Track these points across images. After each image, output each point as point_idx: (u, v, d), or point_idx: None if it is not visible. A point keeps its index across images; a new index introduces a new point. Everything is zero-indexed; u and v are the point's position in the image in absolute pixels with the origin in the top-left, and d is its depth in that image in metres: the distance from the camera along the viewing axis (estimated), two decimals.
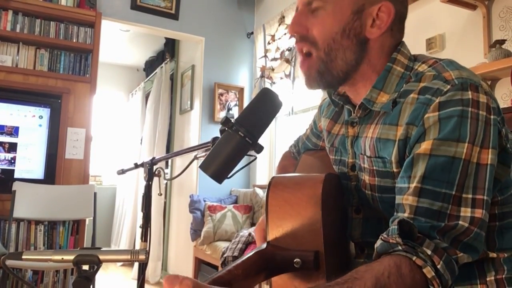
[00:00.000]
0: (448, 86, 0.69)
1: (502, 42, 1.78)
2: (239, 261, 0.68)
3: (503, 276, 0.69)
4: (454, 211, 0.64)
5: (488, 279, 0.70)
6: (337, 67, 0.79)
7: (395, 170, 0.74)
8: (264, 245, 0.73)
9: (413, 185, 0.66)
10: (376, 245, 0.66)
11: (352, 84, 0.83)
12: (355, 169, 0.86)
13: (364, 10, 0.77)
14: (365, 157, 0.81)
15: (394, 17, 0.77)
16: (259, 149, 0.76)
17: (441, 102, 0.68)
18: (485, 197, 0.65)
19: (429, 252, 0.61)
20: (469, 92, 0.68)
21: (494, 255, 0.71)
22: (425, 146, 0.67)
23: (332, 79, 0.80)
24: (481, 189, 0.65)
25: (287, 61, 3.29)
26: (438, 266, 0.60)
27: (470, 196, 0.65)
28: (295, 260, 0.69)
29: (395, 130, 0.74)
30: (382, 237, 0.66)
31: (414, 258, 0.60)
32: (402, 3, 0.80)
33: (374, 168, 0.78)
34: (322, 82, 0.81)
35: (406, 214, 0.66)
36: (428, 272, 0.59)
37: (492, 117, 0.68)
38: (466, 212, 0.64)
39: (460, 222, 0.63)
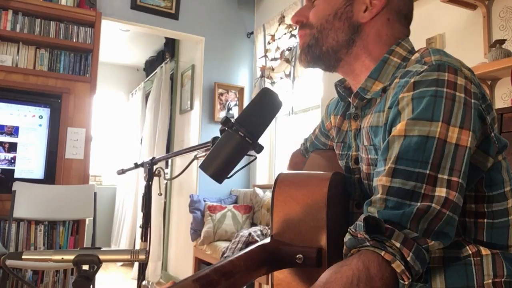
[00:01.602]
0: (425, 67, 0.68)
1: (502, 42, 1.78)
2: (241, 252, 0.68)
3: (502, 280, 0.68)
4: (428, 190, 0.62)
5: (485, 282, 0.69)
6: (327, 44, 0.83)
7: None
8: (268, 240, 0.73)
9: (387, 166, 0.65)
10: (345, 239, 0.66)
11: (350, 71, 0.85)
12: (358, 162, 0.87)
13: None
14: (363, 146, 0.82)
15: (387, 4, 0.80)
16: (259, 149, 0.76)
17: (415, 82, 0.67)
18: (460, 180, 0.63)
19: (398, 244, 0.59)
20: (446, 74, 0.66)
21: (488, 251, 0.70)
22: (399, 127, 0.66)
23: (320, 53, 0.84)
24: (457, 171, 0.63)
25: (287, 61, 3.29)
26: (408, 259, 0.59)
27: (445, 177, 0.63)
28: (297, 256, 0.69)
29: (382, 117, 0.74)
30: (350, 231, 0.65)
31: (382, 253, 0.59)
32: None
33: (369, 156, 0.80)
34: (310, 54, 0.85)
35: (379, 195, 0.65)
36: (398, 266, 0.59)
37: (472, 100, 0.66)
38: (440, 192, 0.62)
39: (433, 205, 0.61)
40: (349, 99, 0.89)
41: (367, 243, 0.61)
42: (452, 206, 0.62)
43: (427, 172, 0.63)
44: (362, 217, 0.62)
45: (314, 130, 1.15)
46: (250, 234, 2.81)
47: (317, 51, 0.84)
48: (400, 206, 0.62)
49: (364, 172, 0.83)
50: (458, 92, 0.65)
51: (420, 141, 0.64)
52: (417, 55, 0.77)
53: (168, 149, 4.59)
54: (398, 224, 0.61)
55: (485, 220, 0.72)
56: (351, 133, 0.88)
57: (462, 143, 0.64)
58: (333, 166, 0.95)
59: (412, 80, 0.68)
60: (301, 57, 0.87)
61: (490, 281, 0.68)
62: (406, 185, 0.63)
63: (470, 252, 0.70)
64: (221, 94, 3.88)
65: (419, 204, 0.62)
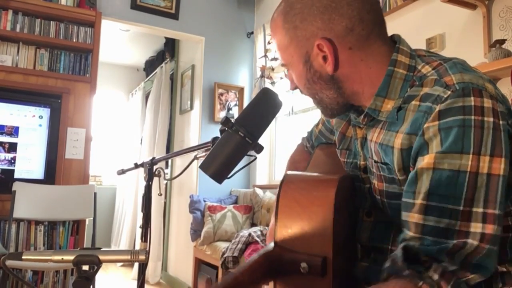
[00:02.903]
0: (449, 92, 0.65)
1: (502, 41, 1.78)
2: (246, 265, 0.68)
3: None
4: (463, 227, 0.61)
5: None
6: (327, 103, 0.83)
7: (400, 177, 0.73)
8: (272, 246, 0.72)
9: (418, 201, 0.64)
10: (384, 265, 0.65)
11: (357, 102, 0.83)
12: (367, 171, 0.84)
13: (310, 56, 0.78)
14: (372, 161, 0.80)
15: (336, 41, 0.74)
16: (259, 149, 0.76)
17: (441, 111, 0.65)
18: (497, 212, 0.61)
19: (436, 277, 0.59)
20: (472, 98, 0.64)
21: (504, 269, 0.69)
22: (427, 160, 0.64)
23: (331, 111, 0.84)
24: (492, 203, 0.61)
25: None
26: None
27: (480, 210, 0.61)
28: (302, 266, 0.68)
29: (394, 137, 0.72)
30: (391, 258, 0.64)
31: (420, 283, 0.59)
32: (337, 20, 0.74)
33: (381, 173, 0.77)
34: (327, 114, 0.86)
35: (412, 233, 0.64)
36: None
37: (501, 122, 0.63)
38: (476, 227, 0.61)
39: (470, 240, 0.60)
40: (353, 114, 0.86)
41: (405, 273, 0.60)
42: (491, 239, 0.61)
43: (461, 208, 0.61)
44: (401, 247, 0.63)
45: (318, 124, 1.11)
46: (250, 234, 2.81)
47: (329, 111, 0.85)
48: (436, 244, 0.62)
49: (376, 187, 0.80)
50: (486, 117, 0.63)
51: (452, 176, 0.62)
52: (428, 68, 0.73)
53: (168, 149, 4.58)
54: (435, 258, 0.61)
55: (510, 234, 0.70)
56: (357, 142, 0.86)
57: (494, 172, 0.62)
58: (338, 164, 0.93)
59: (437, 109, 0.65)
60: (323, 114, 0.89)
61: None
62: (440, 223, 0.62)
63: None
64: (221, 94, 3.88)
65: (455, 241, 0.61)
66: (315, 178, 0.80)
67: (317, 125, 1.12)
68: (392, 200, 0.76)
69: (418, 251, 0.61)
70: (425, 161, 0.65)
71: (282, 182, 0.76)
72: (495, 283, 0.68)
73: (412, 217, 0.65)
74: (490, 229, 0.61)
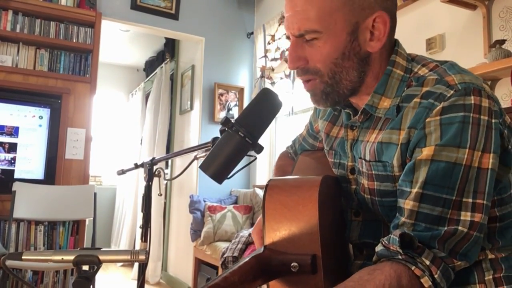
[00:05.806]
0: (451, 91, 0.69)
1: (502, 42, 1.78)
2: (235, 266, 0.68)
3: (501, 274, 0.71)
4: (454, 215, 0.66)
5: (486, 278, 0.71)
6: (343, 87, 0.78)
7: (396, 173, 0.74)
8: (262, 249, 0.73)
9: (414, 190, 0.68)
10: (376, 249, 0.69)
11: (356, 94, 0.83)
12: (355, 172, 0.85)
13: (358, 28, 0.74)
14: (363, 161, 0.81)
15: (391, 22, 0.76)
16: (259, 149, 0.76)
17: (444, 107, 0.68)
18: (484, 202, 0.66)
19: (427, 262, 0.64)
20: (472, 97, 0.68)
21: (493, 256, 0.72)
22: (427, 152, 0.68)
23: (338, 97, 0.80)
24: (481, 194, 0.66)
25: (287, 61, 3.29)
26: (435, 276, 0.64)
27: (470, 200, 0.66)
28: (292, 264, 0.68)
29: (397, 134, 0.74)
30: (383, 242, 0.68)
31: (413, 268, 0.63)
32: (393, 3, 0.78)
33: (373, 172, 0.78)
34: (329, 101, 0.81)
35: (406, 219, 0.68)
36: (426, 281, 0.63)
37: (493, 121, 0.68)
38: (465, 216, 0.66)
39: (460, 228, 0.65)
40: (347, 110, 0.87)
41: (399, 257, 0.65)
42: (478, 227, 0.66)
43: (453, 198, 0.66)
44: (397, 232, 0.66)
45: (302, 132, 1.13)
46: (250, 234, 2.81)
47: (335, 97, 0.80)
48: (428, 230, 0.66)
49: (365, 187, 0.81)
50: (483, 115, 0.67)
51: (448, 167, 0.66)
52: (425, 70, 0.76)
53: (168, 149, 4.58)
54: (428, 244, 0.65)
55: (497, 224, 0.74)
56: (347, 143, 0.86)
57: (484, 166, 0.67)
58: (323, 167, 0.94)
59: (441, 105, 0.69)
60: (319, 102, 0.81)
61: (491, 277, 0.71)
62: (434, 211, 0.66)
63: (477, 259, 0.72)
64: (221, 95, 3.88)
65: (446, 227, 0.66)
66: (298, 180, 0.81)
67: (301, 133, 1.14)
68: (384, 198, 0.78)
69: (413, 238, 0.65)
70: (424, 152, 0.68)
71: (266, 187, 0.76)
72: (486, 269, 0.72)
73: (407, 204, 0.69)
74: (478, 217, 0.66)
